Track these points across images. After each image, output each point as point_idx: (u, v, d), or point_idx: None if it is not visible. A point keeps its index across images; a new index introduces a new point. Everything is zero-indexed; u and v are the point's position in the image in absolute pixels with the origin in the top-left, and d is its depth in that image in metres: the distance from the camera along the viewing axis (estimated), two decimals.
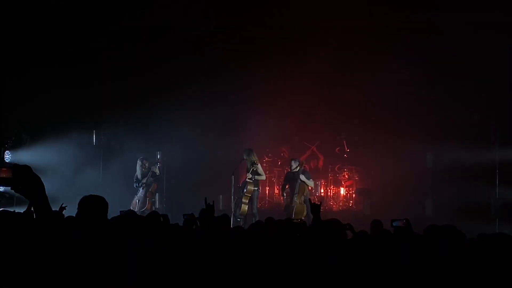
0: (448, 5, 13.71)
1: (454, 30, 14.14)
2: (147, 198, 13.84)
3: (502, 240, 3.67)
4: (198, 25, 15.32)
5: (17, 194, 2.64)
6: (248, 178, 12.56)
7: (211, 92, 15.08)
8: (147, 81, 15.25)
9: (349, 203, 14.85)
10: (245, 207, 12.52)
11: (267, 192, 15.18)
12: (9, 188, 2.55)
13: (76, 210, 3.76)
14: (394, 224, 6.10)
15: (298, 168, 12.78)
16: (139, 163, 13.97)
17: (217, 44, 15.28)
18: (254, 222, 9.34)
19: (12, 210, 4.58)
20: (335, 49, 14.94)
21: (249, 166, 12.70)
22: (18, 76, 14.36)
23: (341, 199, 14.96)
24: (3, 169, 2.53)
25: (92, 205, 3.64)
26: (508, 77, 13.65)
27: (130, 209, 11.00)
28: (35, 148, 14.48)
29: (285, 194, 12.89)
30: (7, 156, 14.32)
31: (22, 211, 5.95)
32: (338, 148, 15.29)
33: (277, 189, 15.21)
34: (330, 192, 15.15)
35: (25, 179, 2.50)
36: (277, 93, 15.31)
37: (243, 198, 12.54)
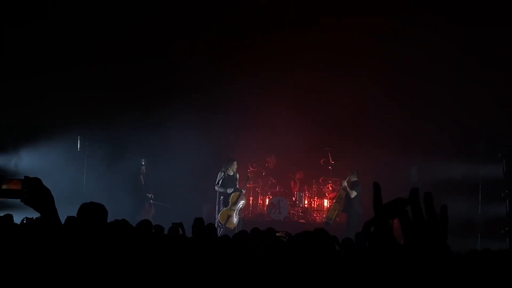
0: (436, 18, 13.81)
1: (440, 45, 14.26)
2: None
3: (489, 256, 3.70)
4: (184, 37, 15.36)
5: (15, 202, 2.61)
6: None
7: (196, 101, 15.07)
8: (133, 89, 15.21)
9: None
10: (233, 219, 12.69)
11: (250, 202, 15.14)
12: (19, 199, 2.52)
13: (64, 216, 3.72)
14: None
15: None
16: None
17: (204, 56, 15.33)
18: (237, 231, 9.33)
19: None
20: (319, 63, 15.00)
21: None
22: (4, 82, 14.24)
23: (325, 210, 14.95)
24: (13, 181, 2.51)
25: (92, 212, 3.60)
26: (494, 94, 13.77)
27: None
28: (19, 152, 14.35)
29: None
30: None
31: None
32: (323, 160, 15.28)
33: (261, 200, 15.20)
34: (314, 203, 15.17)
35: (35, 191, 2.49)
36: (263, 104, 15.33)
37: (230, 207, 12.64)
